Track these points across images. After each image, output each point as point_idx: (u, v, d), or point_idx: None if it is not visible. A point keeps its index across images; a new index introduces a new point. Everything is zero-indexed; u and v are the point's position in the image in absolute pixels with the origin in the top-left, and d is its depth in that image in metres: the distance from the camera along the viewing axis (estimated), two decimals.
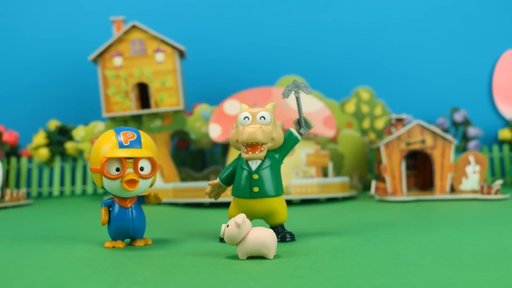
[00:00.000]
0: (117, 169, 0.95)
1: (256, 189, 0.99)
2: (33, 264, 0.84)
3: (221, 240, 1.02)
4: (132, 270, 0.77)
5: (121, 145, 0.95)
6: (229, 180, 1.05)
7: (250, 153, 0.99)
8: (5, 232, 1.22)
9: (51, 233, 1.18)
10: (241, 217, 0.84)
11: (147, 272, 0.76)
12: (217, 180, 1.07)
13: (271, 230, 0.86)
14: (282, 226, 1.03)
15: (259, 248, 0.83)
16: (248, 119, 0.99)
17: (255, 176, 1.00)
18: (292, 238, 1.02)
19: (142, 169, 0.96)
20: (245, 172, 1.00)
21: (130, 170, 0.95)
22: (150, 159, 0.97)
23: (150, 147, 0.99)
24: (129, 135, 0.97)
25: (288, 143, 1.03)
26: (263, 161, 1.00)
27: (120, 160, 0.94)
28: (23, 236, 1.14)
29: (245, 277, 0.72)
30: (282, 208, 1.02)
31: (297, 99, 1.03)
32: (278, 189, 1.01)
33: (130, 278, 0.73)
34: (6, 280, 0.73)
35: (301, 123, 1.03)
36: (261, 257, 0.85)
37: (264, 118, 0.99)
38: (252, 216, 1.03)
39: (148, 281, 0.71)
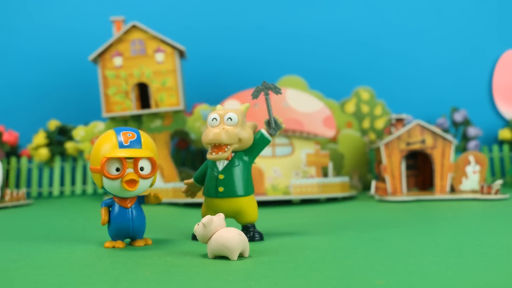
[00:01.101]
0: (117, 169, 0.95)
1: (221, 189, 1.02)
2: (33, 264, 0.84)
3: (194, 237, 1.06)
4: (132, 270, 0.78)
5: (121, 145, 0.95)
6: (202, 180, 1.08)
7: (214, 153, 1.01)
8: (5, 232, 1.22)
9: (51, 233, 1.18)
10: (207, 218, 0.86)
11: (147, 272, 0.76)
12: (192, 180, 1.09)
13: (239, 232, 0.85)
14: (253, 225, 1.04)
15: (221, 248, 0.84)
16: (216, 120, 1.01)
17: (221, 176, 1.02)
18: (261, 237, 1.03)
19: (142, 169, 0.96)
20: (212, 172, 1.03)
21: (130, 170, 0.95)
22: (150, 159, 0.97)
23: (150, 147, 0.99)
24: (129, 135, 0.97)
25: (258, 144, 1.04)
26: (230, 161, 1.02)
27: (120, 160, 0.94)
28: (23, 236, 1.14)
29: (245, 277, 0.72)
30: (250, 208, 1.03)
31: (266, 100, 1.04)
32: (246, 189, 1.02)
33: (130, 278, 0.73)
34: (6, 280, 0.73)
35: (271, 123, 1.04)
36: (262, 257, 0.85)
37: (231, 119, 1.01)
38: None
39: (148, 281, 0.71)
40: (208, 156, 1.01)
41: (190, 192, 1.11)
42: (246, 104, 1.06)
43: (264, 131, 1.04)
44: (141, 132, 1.00)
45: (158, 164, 1.01)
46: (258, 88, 1.04)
